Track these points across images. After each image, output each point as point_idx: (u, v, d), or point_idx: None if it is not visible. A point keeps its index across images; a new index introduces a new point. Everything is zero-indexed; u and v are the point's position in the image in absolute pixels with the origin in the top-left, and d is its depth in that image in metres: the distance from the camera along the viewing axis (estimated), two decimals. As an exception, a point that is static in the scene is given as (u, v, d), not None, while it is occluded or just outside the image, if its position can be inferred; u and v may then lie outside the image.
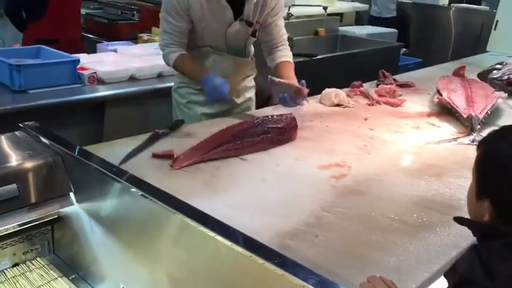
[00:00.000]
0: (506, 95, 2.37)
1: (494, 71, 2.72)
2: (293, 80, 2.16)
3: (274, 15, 2.23)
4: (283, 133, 1.90)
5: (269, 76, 2.09)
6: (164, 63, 2.26)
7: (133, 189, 1.30)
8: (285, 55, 2.31)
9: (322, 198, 1.50)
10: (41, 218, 1.43)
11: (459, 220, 1.05)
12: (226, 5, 2.09)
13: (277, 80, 2.08)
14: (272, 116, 1.94)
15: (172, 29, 2.11)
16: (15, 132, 1.61)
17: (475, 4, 6.51)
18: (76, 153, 1.46)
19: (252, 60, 2.39)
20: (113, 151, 1.69)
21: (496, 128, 2.13)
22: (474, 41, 5.44)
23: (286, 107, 2.11)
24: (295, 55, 3.72)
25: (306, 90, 2.10)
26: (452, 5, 6.36)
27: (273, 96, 2.21)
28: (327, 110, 2.35)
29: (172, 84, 2.42)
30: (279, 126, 1.90)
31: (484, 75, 2.75)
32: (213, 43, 2.19)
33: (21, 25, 3.44)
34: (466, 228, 1.05)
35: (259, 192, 1.53)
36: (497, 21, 4.00)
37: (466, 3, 6.48)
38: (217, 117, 2.25)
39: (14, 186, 1.36)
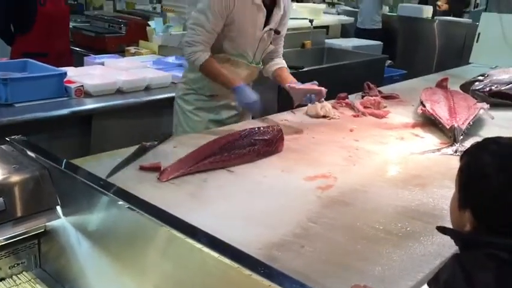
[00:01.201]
0: (488, 106, 2.41)
1: (477, 83, 2.77)
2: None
3: (284, 25, 2.35)
4: (269, 145, 1.92)
5: (287, 85, 2.28)
6: (188, 60, 2.23)
7: (121, 202, 1.31)
8: (282, 63, 2.44)
9: (308, 209, 1.51)
10: (28, 231, 1.43)
11: (442, 230, 1.08)
12: (263, 10, 2.18)
13: (298, 86, 2.24)
14: (259, 127, 1.96)
15: (211, 27, 2.12)
16: (2, 146, 1.61)
17: (458, 17, 6.64)
18: (63, 167, 1.46)
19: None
20: (100, 164, 1.70)
21: (478, 138, 2.18)
22: (457, 52, 5.54)
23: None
24: (282, 67, 3.78)
25: (324, 90, 2.25)
26: (435, 17, 6.49)
27: (294, 100, 2.30)
28: (313, 122, 2.38)
29: (160, 96, 2.45)
30: (265, 138, 1.92)
31: (466, 87, 2.80)
32: (242, 48, 2.25)
33: (10, 39, 3.43)
34: (449, 237, 1.08)
35: (246, 204, 1.55)
36: (479, 33, 4.08)
37: (451, 15, 6.61)
38: (224, 124, 2.33)
39: (0, 200, 1.35)
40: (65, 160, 1.51)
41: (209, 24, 2.12)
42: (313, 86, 2.25)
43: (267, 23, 2.25)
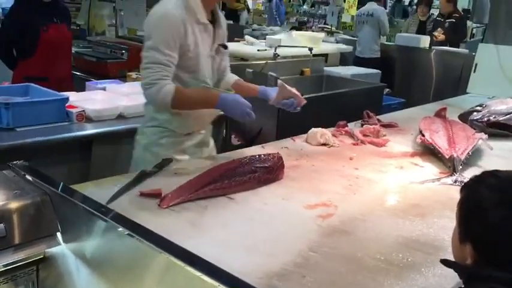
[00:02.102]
0: (486, 136, 2.43)
1: (475, 113, 2.80)
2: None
3: (225, 38, 2.27)
4: (270, 172, 1.93)
5: (279, 81, 2.29)
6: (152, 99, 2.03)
7: (120, 229, 1.31)
8: (235, 76, 2.39)
9: (309, 238, 1.51)
10: (27, 258, 1.42)
11: (445, 263, 1.08)
12: (209, 28, 2.10)
13: (287, 86, 2.24)
14: (259, 155, 1.97)
15: (169, 60, 1.96)
16: (3, 171, 1.61)
17: (455, 47, 6.74)
18: (64, 193, 1.46)
19: None
20: (100, 190, 1.70)
21: (477, 168, 2.19)
22: (455, 82, 5.60)
23: (286, 109, 2.28)
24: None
25: (304, 101, 2.29)
26: (433, 47, 6.58)
27: (275, 96, 2.25)
28: (313, 150, 2.39)
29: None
30: (266, 165, 1.92)
31: (464, 117, 2.82)
32: (202, 74, 2.11)
33: (12, 63, 3.47)
34: (450, 269, 1.08)
35: (246, 232, 1.54)
36: (476, 64, 4.14)
37: (447, 46, 6.71)
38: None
39: (1, 226, 1.35)
40: (66, 186, 1.51)
41: (165, 57, 1.96)
42: (297, 93, 2.27)
43: (213, 41, 2.16)
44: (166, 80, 1.98)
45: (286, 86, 2.26)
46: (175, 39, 1.98)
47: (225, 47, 2.25)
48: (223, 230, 1.54)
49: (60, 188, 1.49)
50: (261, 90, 2.30)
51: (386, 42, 7.22)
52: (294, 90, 2.26)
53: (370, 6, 6.95)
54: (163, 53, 1.96)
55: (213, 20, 2.16)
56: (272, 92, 2.26)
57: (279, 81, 2.29)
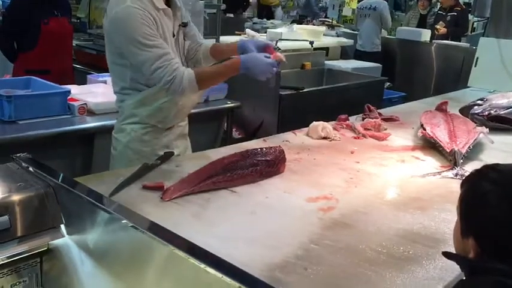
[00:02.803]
0: (487, 130, 2.44)
1: (476, 107, 2.80)
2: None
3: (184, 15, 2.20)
4: (271, 165, 1.93)
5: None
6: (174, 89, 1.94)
7: (124, 221, 1.31)
8: (209, 41, 2.34)
9: (310, 231, 1.52)
10: (31, 250, 1.43)
11: (447, 255, 1.08)
12: (169, 11, 2.04)
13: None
14: (261, 148, 1.98)
15: (164, 48, 1.93)
16: (7, 163, 1.62)
17: (456, 41, 6.74)
18: (68, 185, 1.47)
19: None
20: (103, 183, 1.71)
21: (478, 162, 2.20)
22: (455, 76, 5.60)
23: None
24: (282, 87, 3.83)
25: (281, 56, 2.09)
26: (433, 41, 6.57)
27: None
28: (314, 143, 2.40)
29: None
30: (267, 158, 1.93)
31: (465, 111, 2.83)
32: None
33: (13, 56, 3.47)
34: (451, 261, 1.09)
35: (248, 224, 1.56)
36: (477, 58, 4.14)
37: (449, 39, 6.70)
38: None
39: (5, 218, 1.36)
40: (70, 178, 1.52)
41: (160, 48, 1.91)
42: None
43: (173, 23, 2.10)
44: (180, 67, 1.94)
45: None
46: (152, 29, 1.92)
47: (185, 24, 2.17)
48: (226, 223, 1.55)
49: (64, 180, 1.49)
50: (239, 45, 2.14)
51: (388, 36, 7.21)
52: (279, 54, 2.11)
53: (373, 0, 6.92)
54: (156, 46, 1.91)
55: (169, 3, 2.08)
56: (250, 44, 2.10)
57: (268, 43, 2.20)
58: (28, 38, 3.38)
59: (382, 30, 6.99)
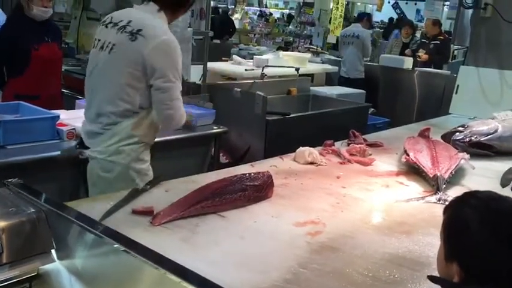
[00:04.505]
0: (468, 156, 2.50)
1: (457, 133, 2.87)
2: None
3: None
4: (260, 190, 1.97)
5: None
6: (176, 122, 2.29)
7: (116, 245, 1.33)
8: None
9: (298, 255, 1.55)
10: (21, 275, 1.43)
11: (433, 279, 1.12)
12: None
13: None
14: (249, 173, 2.01)
15: None
16: (-2, 189, 1.63)
17: (438, 68, 6.92)
18: (60, 210, 1.48)
19: None
20: (93, 207, 1.72)
21: (460, 187, 2.25)
22: (437, 102, 5.73)
23: None
24: (269, 113, 3.88)
25: None
26: (415, 68, 6.74)
27: None
28: (301, 168, 2.44)
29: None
30: (256, 183, 1.96)
31: (447, 137, 2.90)
32: None
33: (2, 82, 3.45)
34: (436, 285, 1.12)
35: (237, 249, 1.58)
36: (458, 85, 4.26)
37: (431, 67, 6.87)
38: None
39: (-4, 243, 1.37)
40: (62, 203, 1.53)
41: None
42: None
43: None
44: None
45: None
46: None
47: None
48: (215, 247, 1.57)
49: (55, 205, 1.51)
50: None
51: (370, 63, 7.37)
52: None
53: (356, 28, 7.10)
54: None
55: None
56: None
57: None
58: (18, 63, 3.38)
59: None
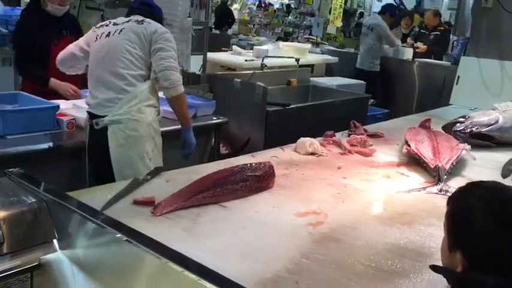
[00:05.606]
0: (469, 147, 2.50)
1: (458, 124, 2.87)
2: None
3: None
4: (261, 181, 1.96)
5: None
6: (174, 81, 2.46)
7: (118, 235, 1.33)
8: None
9: (300, 245, 1.55)
10: (22, 265, 1.42)
11: (435, 268, 1.12)
12: None
13: None
14: (251, 164, 2.01)
15: None
16: (0, 178, 1.62)
17: (438, 59, 6.89)
18: (61, 200, 1.48)
19: None
20: (94, 197, 1.71)
21: (461, 178, 2.25)
22: (437, 93, 5.72)
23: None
24: (269, 104, 3.87)
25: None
26: (415, 59, 6.71)
27: None
28: (302, 159, 2.43)
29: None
30: (257, 174, 1.96)
31: (448, 128, 2.90)
32: None
33: (44, 79, 3.25)
34: (438, 275, 1.12)
35: (239, 239, 1.57)
36: (458, 76, 4.25)
37: (431, 58, 6.84)
38: None
39: (-2, 233, 1.36)
40: (64, 193, 1.53)
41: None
42: None
43: None
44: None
45: None
46: None
47: None
48: (217, 237, 1.57)
49: (58, 195, 1.50)
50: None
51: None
52: None
53: (373, 20, 6.83)
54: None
55: None
56: None
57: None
58: (38, 60, 3.24)
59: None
